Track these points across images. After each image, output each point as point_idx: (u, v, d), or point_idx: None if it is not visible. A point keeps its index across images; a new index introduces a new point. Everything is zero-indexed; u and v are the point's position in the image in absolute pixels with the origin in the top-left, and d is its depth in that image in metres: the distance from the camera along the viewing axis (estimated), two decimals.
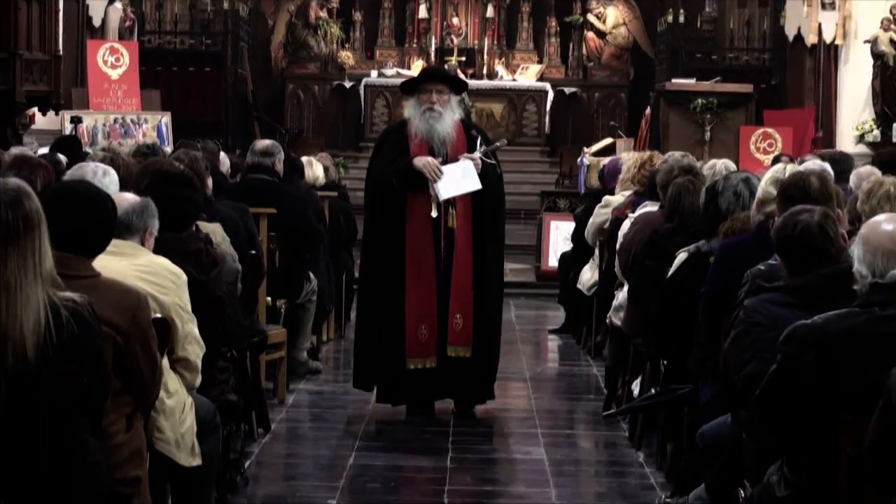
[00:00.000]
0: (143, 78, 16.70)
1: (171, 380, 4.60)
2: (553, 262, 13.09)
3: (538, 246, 14.36)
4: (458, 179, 7.73)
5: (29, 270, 3.40)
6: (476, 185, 7.73)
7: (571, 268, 10.66)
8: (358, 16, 21.74)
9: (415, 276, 7.78)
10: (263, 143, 8.99)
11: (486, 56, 21.44)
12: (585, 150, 16.20)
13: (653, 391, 6.60)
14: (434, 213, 7.77)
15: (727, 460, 4.75)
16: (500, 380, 8.65)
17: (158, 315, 4.47)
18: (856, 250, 3.90)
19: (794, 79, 18.46)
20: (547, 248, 14.06)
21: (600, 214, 9.47)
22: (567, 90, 21.45)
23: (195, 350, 4.78)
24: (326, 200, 10.23)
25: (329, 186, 10.80)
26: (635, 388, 7.37)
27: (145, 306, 4.12)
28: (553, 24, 21.78)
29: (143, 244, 4.76)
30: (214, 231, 6.17)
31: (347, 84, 21.26)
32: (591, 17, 21.67)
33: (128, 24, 17.71)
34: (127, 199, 4.78)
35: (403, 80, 8.51)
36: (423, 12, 21.66)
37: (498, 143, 8.24)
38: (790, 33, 18.28)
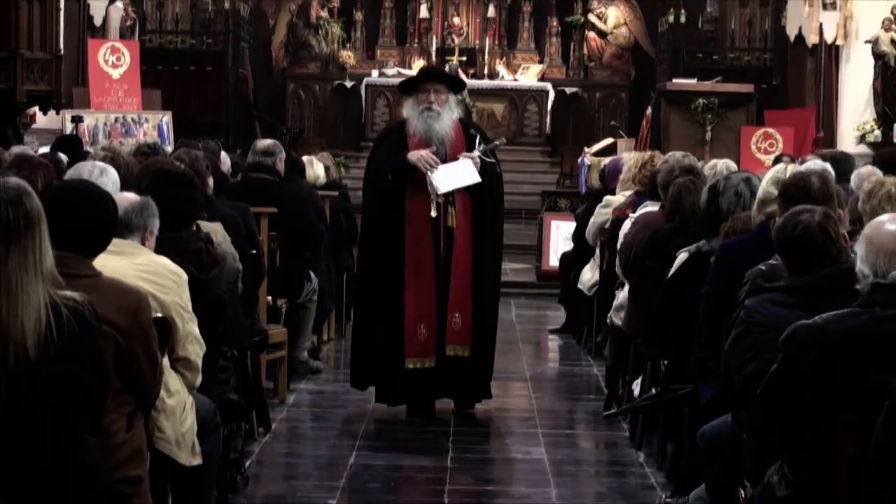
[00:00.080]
0: (144, 77, 16.70)
1: (172, 379, 4.60)
2: (554, 261, 13.09)
3: (539, 246, 14.35)
4: (456, 174, 7.72)
5: (30, 269, 3.40)
6: (475, 178, 7.72)
7: (572, 268, 10.66)
8: (359, 15, 21.74)
9: (414, 276, 7.77)
10: (265, 142, 9.00)
11: (487, 56, 21.44)
12: (586, 149, 16.21)
13: (653, 391, 6.60)
14: (433, 213, 7.77)
15: (728, 460, 4.75)
16: (500, 380, 8.65)
17: (159, 314, 4.47)
18: (859, 250, 3.90)
19: (795, 79, 18.46)
20: (548, 247, 14.06)
21: (601, 214, 9.47)
22: (568, 90, 21.45)
23: (196, 349, 4.78)
24: (327, 200, 10.23)
25: (330, 186, 10.80)
26: (636, 388, 7.37)
27: (146, 306, 4.12)
28: (554, 23, 21.78)
29: (143, 243, 4.75)
30: (215, 230, 6.17)
31: (348, 84, 21.27)
32: (592, 17, 21.67)
33: (129, 23, 17.71)
34: (127, 199, 4.78)
35: (403, 79, 8.51)
36: (424, 12, 21.66)
37: (497, 142, 8.22)
38: (791, 33, 18.28)
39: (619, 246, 7.94)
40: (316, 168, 10.63)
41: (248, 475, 6.45)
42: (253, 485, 6.41)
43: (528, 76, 21.44)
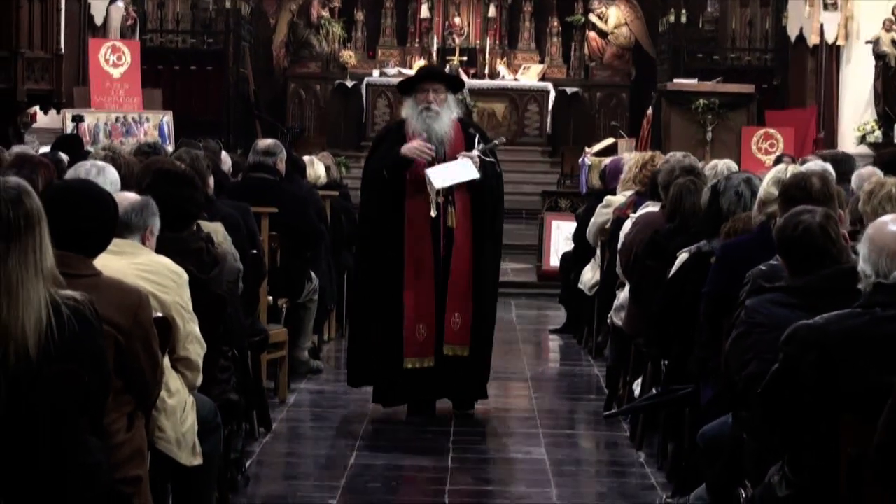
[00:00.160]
0: (145, 77, 16.69)
1: (173, 379, 4.60)
2: (554, 261, 13.09)
3: (539, 246, 14.36)
4: (454, 170, 7.72)
5: (30, 268, 3.40)
6: (473, 174, 7.71)
7: (573, 268, 10.66)
8: (360, 15, 21.74)
9: (413, 276, 7.77)
10: (266, 142, 8.99)
11: (487, 56, 21.43)
12: (587, 149, 16.21)
13: (654, 391, 6.60)
14: (433, 213, 7.76)
15: (728, 460, 4.75)
16: (501, 380, 8.66)
17: (160, 314, 4.47)
18: (861, 249, 3.91)
19: (795, 79, 18.45)
20: (548, 247, 14.06)
21: (602, 214, 9.47)
22: (569, 90, 21.44)
23: (196, 349, 4.78)
24: (328, 200, 10.23)
25: (330, 186, 10.81)
26: (636, 388, 7.37)
27: (146, 305, 4.12)
28: (555, 23, 21.77)
29: (143, 243, 4.75)
30: (216, 230, 6.17)
31: (349, 83, 21.27)
32: (592, 17, 21.66)
33: (129, 22, 17.71)
34: (128, 198, 4.78)
35: (402, 79, 8.50)
36: (424, 12, 21.65)
37: (496, 141, 8.21)
38: (792, 34, 18.27)
39: (619, 246, 7.94)
40: (317, 168, 10.63)
41: (249, 475, 6.45)
42: (253, 485, 6.41)
43: (529, 76, 21.44)
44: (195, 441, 4.69)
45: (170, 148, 10.59)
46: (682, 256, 6.23)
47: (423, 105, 7.82)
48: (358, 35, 21.76)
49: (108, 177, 5.50)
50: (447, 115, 7.87)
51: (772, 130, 15.82)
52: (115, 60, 15.71)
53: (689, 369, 5.75)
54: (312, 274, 9.01)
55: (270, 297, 8.08)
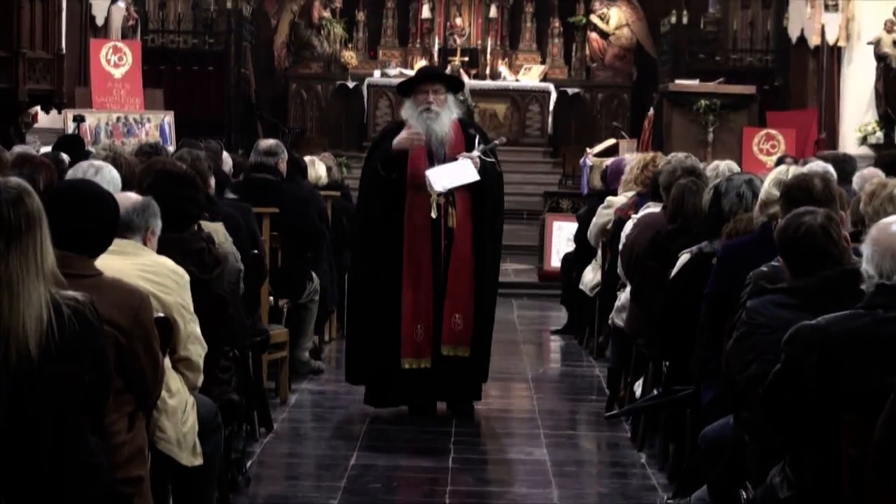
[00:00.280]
0: (146, 77, 16.70)
1: (173, 379, 4.60)
2: (555, 262, 13.09)
3: (541, 246, 14.36)
4: (454, 172, 7.72)
5: (31, 268, 3.40)
6: (473, 176, 7.71)
7: (574, 268, 10.66)
8: (361, 16, 21.75)
9: (412, 276, 7.76)
10: (267, 142, 8.99)
11: (489, 56, 21.44)
12: (588, 150, 16.21)
13: (655, 392, 6.60)
14: (434, 214, 7.76)
15: (729, 462, 4.75)
16: (501, 380, 8.66)
17: (161, 314, 4.47)
18: (864, 250, 3.91)
19: (796, 80, 18.45)
20: (549, 248, 14.07)
21: (603, 215, 9.47)
22: (570, 91, 21.45)
23: (197, 350, 4.77)
24: (329, 200, 10.23)
25: (332, 186, 10.80)
26: (637, 388, 7.37)
27: (148, 306, 4.12)
28: (556, 24, 21.77)
29: (145, 243, 4.75)
30: (217, 230, 6.17)
31: (350, 84, 21.27)
32: (594, 18, 21.66)
33: (131, 23, 17.72)
34: (129, 199, 4.78)
35: (402, 80, 8.50)
36: (426, 12, 21.66)
37: (496, 141, 8.21)
38: (793, 35, 18.27)
39: (620, 247, 7.94)
40: (318, 168, 10.63)
41: (250, 475, 6.45)
42: (254, 485, 6.41)
43: (530, 77, 21.44)
44: (196, 441, 4.69)
45: (171, 148, 10.58)
46: (684, 257, 6.23)
47: (423, 106, 7.82)
48: (359, 35, 21.77)
49: (106, 176, 5.49)
50: (447, 115, 7.86)
51: (773, 131, 15.82)
52: (116, 61, 15.72)
53: (691, 370, 5.75)
54: (313, 274, 9.01)
55: (271, 298, 8.08)
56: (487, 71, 21.38)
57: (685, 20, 19.44)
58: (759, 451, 4.35)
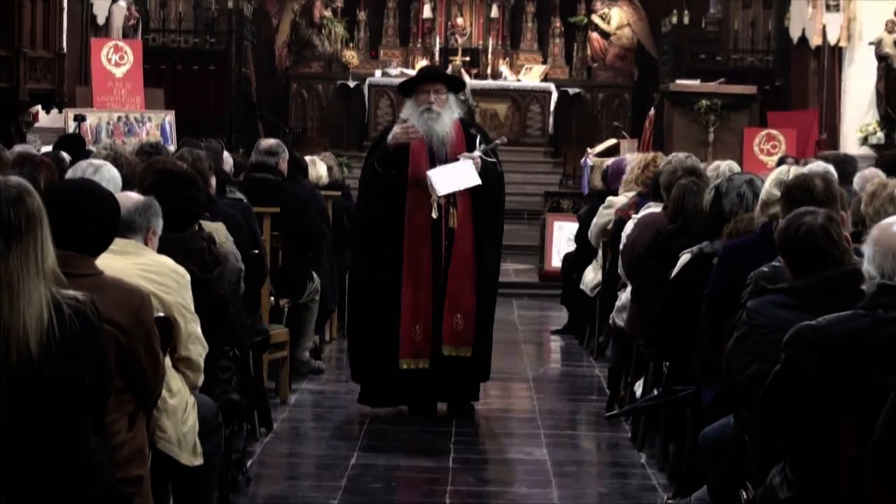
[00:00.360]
0: (147, 76, 16.69)
1: (174, 379, 4.60)
2: (556, 262, 13.09)
3: (541, 246, 14.36)
4: (455, 175, 7.71)
5: (31, 267, 3.40)
6: (475, 180, 7.71)
7: (574, 268, 10.66)
8: (362, 15, 21.75)
9: (412, 276, 7.76)
10: (268, 142, 9.00)
11: (490, 56, 21.44)
12: (589, 150, 16.21)
13: (655, 392, 6.60)
14: (434, 215, 7.76)
15: (730, 462, 4.75)
16: (502, 380, 8.65)
17: (161, 314, 4.47)
18: (866, 250, 3.91)
19: (797, 80, 18.45)
20: (550, 248, 14.07)
21: (604, 215, 9.47)
22: (571, 91, 21.46)
23: (198, 349, 4.77)
24: (330, 200, 10.23)
25: (332, 186, 10.80)
26: (638, 389, 7.37)
27: (148, 305, 4.12)
28: (557, 24, 21.78)
29: (146, 243, 4.75)
30: (217, 230, 6.16)
31: (351, 83, 21.28)
32: (595, 18, 21.67)
33: (132, 22, 17.71)
34: (130, 198, 4.78)
35: (402, 81, 8.50)
36: (427, 12, 21.66)
37: (497, 141, 8.20)
38: (794, 35, 18.27)
39: (621, 247, 7.94)
40: (319, 168, 10.63)
41: (250, 475, 6.45)
42: (254, 485, 6.41)
43: (531, 77, 21.44)
44: (196, 441, 4.69)
45: (172, 148, 10.58)
46: (684, 257, 6.23)
47: (424, 106, 7.82)
48: (360, 35, 21.77)
49: (105, 175, 5.49)
50: (448, 115, 7.86)
51: (774, 132, 15.81)
52: (117, 60, 15.72)
53: (691, 370, 5.74)
54: (314, 274, 9.01)
55: (272, 298, 8.08)
56: (488, 71, 21.38)
57: (686, 20, 19.45)
58: (759, 452, 4.35)
